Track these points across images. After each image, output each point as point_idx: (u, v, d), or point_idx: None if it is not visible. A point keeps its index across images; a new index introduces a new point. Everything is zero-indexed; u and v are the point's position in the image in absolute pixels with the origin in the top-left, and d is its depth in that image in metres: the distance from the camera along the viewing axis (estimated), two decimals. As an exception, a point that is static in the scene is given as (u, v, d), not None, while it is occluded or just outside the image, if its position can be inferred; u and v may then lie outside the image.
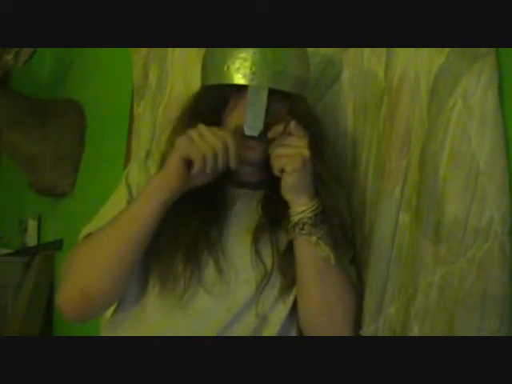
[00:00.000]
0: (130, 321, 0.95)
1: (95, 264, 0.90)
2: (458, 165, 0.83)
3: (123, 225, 0.89)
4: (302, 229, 0.89)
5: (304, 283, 0.92)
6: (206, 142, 0.84)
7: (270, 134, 0.89)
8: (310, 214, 0.88)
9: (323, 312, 0.91)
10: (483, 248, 0.80)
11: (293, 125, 0.87)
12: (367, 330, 0.92)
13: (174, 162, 0.85)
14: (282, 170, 0.87)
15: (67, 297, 0.92)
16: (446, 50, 0.86)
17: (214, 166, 0.85)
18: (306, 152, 0.86)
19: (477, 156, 0.82)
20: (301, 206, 0.88)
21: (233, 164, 0.86)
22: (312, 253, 0.89)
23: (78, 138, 2.25)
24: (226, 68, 0.90)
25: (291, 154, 0.86)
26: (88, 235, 0.95)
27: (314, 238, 0.88)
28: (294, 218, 0.89)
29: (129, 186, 1.00)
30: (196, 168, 0.84)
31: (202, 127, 0.86)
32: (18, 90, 2.24)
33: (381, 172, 0.97)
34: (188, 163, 0.85)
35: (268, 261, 0.93)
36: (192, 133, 0.85)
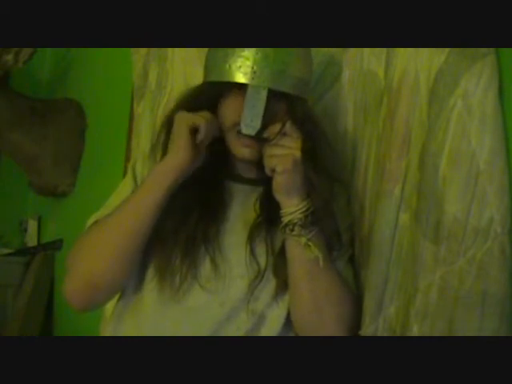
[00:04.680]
0: (129, 313, 0.96)
1: (100, 252, 0.91)
2: (458, 165, 0.83)
3: (128, 212, 0.91)
4: (292, 230, 0.89)
5: (294, 283, 0.92)
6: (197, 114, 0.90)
7: (266, 134, 0.89)
8: (300, 215, 0.88)
9: (314, 313, 0.91)
10: (483, 248, 0.80)
11: (288, 125, 0.88)
12: (367, 330, 0.91)
13: (182, 133, 0.88)
14: (274, 170, 0.87)
15: (73, 286, 0.93)
16: (446, 49, 0.86)
17: (215, 129, 0.91)
18: (298, 153, 0.86)
19: (477, 156, 0.82)
20: (291, 207, 0.89)
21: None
22: (302, 253, 0.89)
23: (77, 138, 2.25)
24: (227, 66, 0.90)
25: (283, 155, 0.86)
26: (94, 224, 0.97)
27: (303, 239, 0.88)
28: (285, 219, 0.89)
29: (135, 177, 1.02)
30: (202, 132, 0.88)
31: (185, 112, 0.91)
32: (18, 89, 2.24)
33: (381, 172, 0.97)
34: (193, 133, 0.89)
35: (262, 259, 0.93)
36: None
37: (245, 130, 0.89)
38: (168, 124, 0.95)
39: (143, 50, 1.67)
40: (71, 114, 2.28)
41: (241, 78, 0.89)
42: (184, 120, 0.89)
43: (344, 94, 1.10)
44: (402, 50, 0.95)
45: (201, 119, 0.89)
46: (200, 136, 0.88)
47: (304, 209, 0.88)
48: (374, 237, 0.94)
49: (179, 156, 0.89)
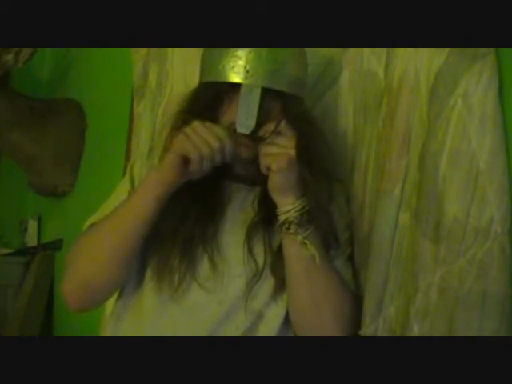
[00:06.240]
0: (129, 313, 0.97)
1: (94, 256, 0.92)
2: (458, 165, 0.83)
3: (120, 218, 0.92)
4: (288, 228, 0.89)
5: (292, 282, 0.92)
6: (202, 139, 0.86)
7: (261, 133, 0.90)
8: (296, 214, 0.88)
9: (311, 311, 0.92)
10: (483, 248, 0.80)
11: (282, 124, 0.88)
12: (367, 330, 0.91)
13: (171, 159, 0.88)
14: (269, 169, 0.88)
15: (69, 288, 0.95)
16: (446, 49, 0.86)
17: (211, 163, 0.87)
18: (292, 152, 0.86)
19: (477, 156, 0.82)
20: (286, 206, 0.89)
21: (228, 159, 0.89)
22: (299, 252, 0.89)
23: (77, 138, 2.25)
24: (221, 66, 0.91)
25: (277, 154, 0.87)
26: (90, 227, 0.98)
27: (299, 238, 0.88)
28: (281, 218, 0.89)
29: (132, 178, 1.02)
30: (193, 166, 0.87)
31: (197, 124, 0.88)
32: (18, 90, 2.24)
33: (380, 172, 0.97)
34: (185, 160, 0.87)
35: (260, 258, 0.94)
36: (188, 130, 0.87)
37: (240, 129, 0.89)
38: (172, 131, 0.95)
39: (143, 50, 1.66)
40: (71, 114, 2.28)
41: (234, 78, 0.90)
42: (177, 146, 0.87)
43: (344, 94, 1.10)
44: (401, 50, 0.95)
45: (194, 152, 0.85)
46: (189, 169, 0.87)
47: (299, 207, 0.89)
48: (374, 236, 0.94)
49: (165, 176, 0.88)
